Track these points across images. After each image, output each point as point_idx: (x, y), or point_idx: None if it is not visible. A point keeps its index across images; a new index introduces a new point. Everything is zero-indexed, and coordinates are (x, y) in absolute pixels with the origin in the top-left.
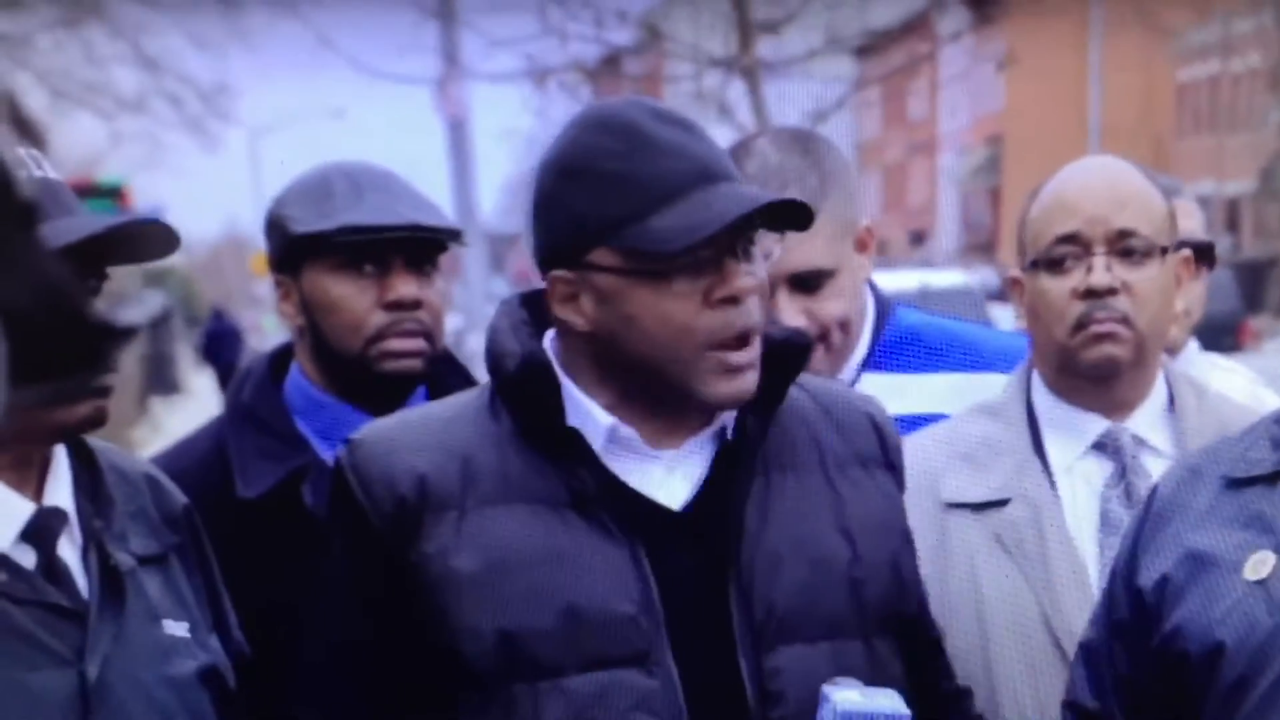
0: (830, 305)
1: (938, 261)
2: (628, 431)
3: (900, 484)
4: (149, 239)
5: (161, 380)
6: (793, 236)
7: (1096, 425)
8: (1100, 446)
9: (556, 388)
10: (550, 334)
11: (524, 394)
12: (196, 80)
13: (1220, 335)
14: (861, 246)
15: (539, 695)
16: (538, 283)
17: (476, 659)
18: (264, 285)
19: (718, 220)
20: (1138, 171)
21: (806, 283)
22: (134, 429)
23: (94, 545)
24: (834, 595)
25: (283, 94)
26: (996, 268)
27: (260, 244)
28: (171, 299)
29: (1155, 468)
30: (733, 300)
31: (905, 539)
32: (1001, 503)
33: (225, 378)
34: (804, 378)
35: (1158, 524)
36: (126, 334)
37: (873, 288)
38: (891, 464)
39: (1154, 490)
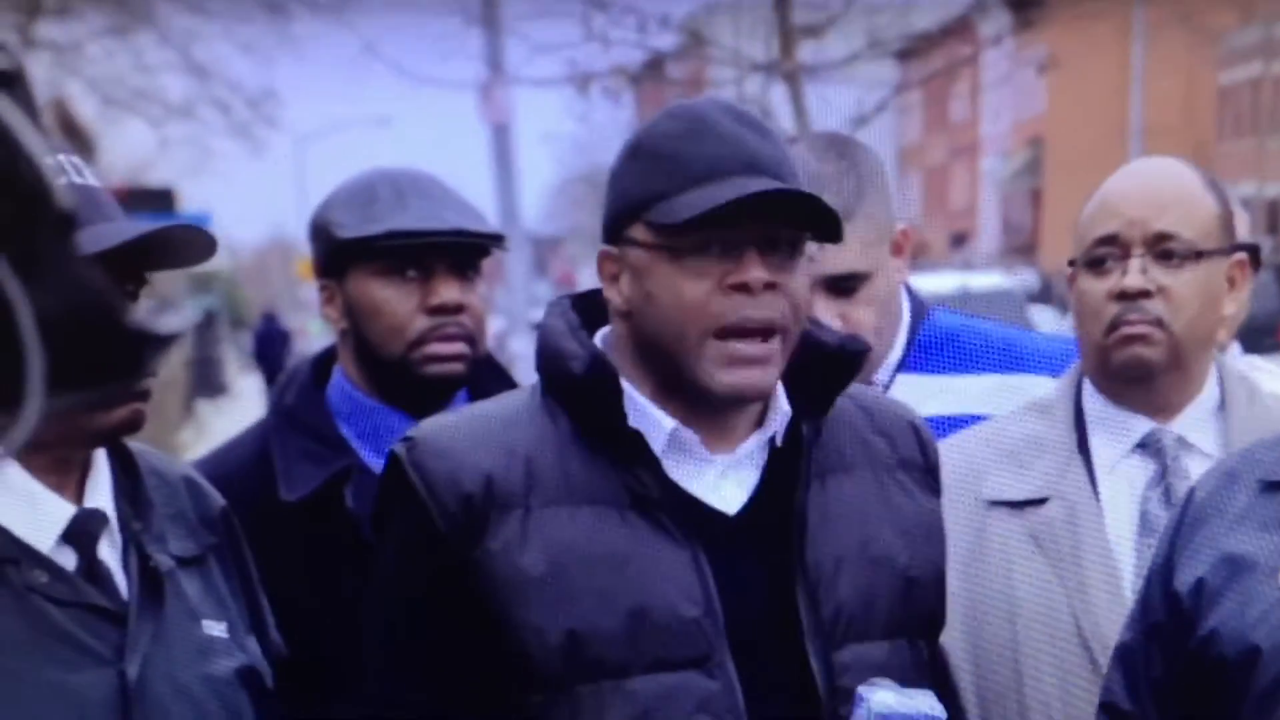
0: (865, 309)
1: (978, 264)
2: (689, 435)
3: (938, 491)
4: (187, 244)
5: (207, 383)
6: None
7: (1141, 426)
8: (1143, 447)
9: (618, 390)
10: (600, 334)
11: (587, 396)
12: (244, 87)
13: (1261, 336)
14: (897, 250)
15: (603, 696)
16: (579, 286)
17: (542, 659)
18: (309, 289)
19: (727, 197)
20: (1192, 174)
21: (841, 285)
22: (180, 432)
23: (134, 547)
24: (892, 594)
25: (328, 100)
26: (1037, 270)
27: (305, 249)
28: (217, 303)
29: (1198, 470)
30: (744, 288)
31: (944, 545)
32: (1040, 501)
33: (273, 380)
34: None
35: (1194, 527)
36: (166, 341)
37: (909, 290)
38: (931, 470)
39: (1190, 493)
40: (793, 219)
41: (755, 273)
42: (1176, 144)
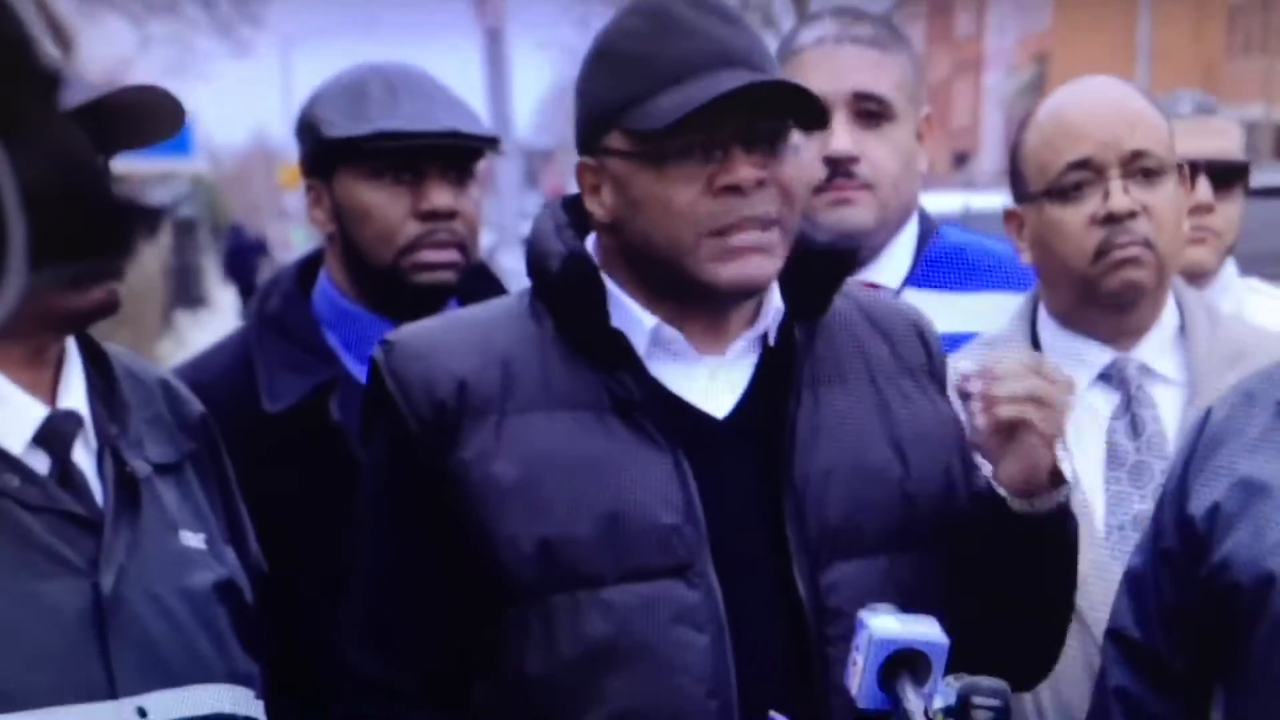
0: (886, 148)
1: (981, 183)
2: (671, 333)
3: (944, 393)
4: (155, 113)
5: (186, 294)
6: (859, 63)
7: (1102, 356)
8: (1106, 378)
9: (600, 288)
10: (592, 237)
11: (567, 295)
12: None
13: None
14: (919, 135)
15: (578, 606)
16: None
17: (515, 568)
18: (293, 198)
19: (704, 96)
20: (1134, 89)
21: (866, 109)
22: (159, 343)
23: (109, 451)
24: (886, 509)
25: (316, 4)
26: None
27: (289, 155)
28: (197, 210)
29: (1163, 396)
30: (734, 189)
31: (956, 447)
32: None
33: (246, 293)
34: (849, 286)
35: (1209, 449)
36: (152, 215)
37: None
38: (938, 374)
39: (1206, 414)
40: (774, 109)
41: (743, 171)
42: (1184, 64)
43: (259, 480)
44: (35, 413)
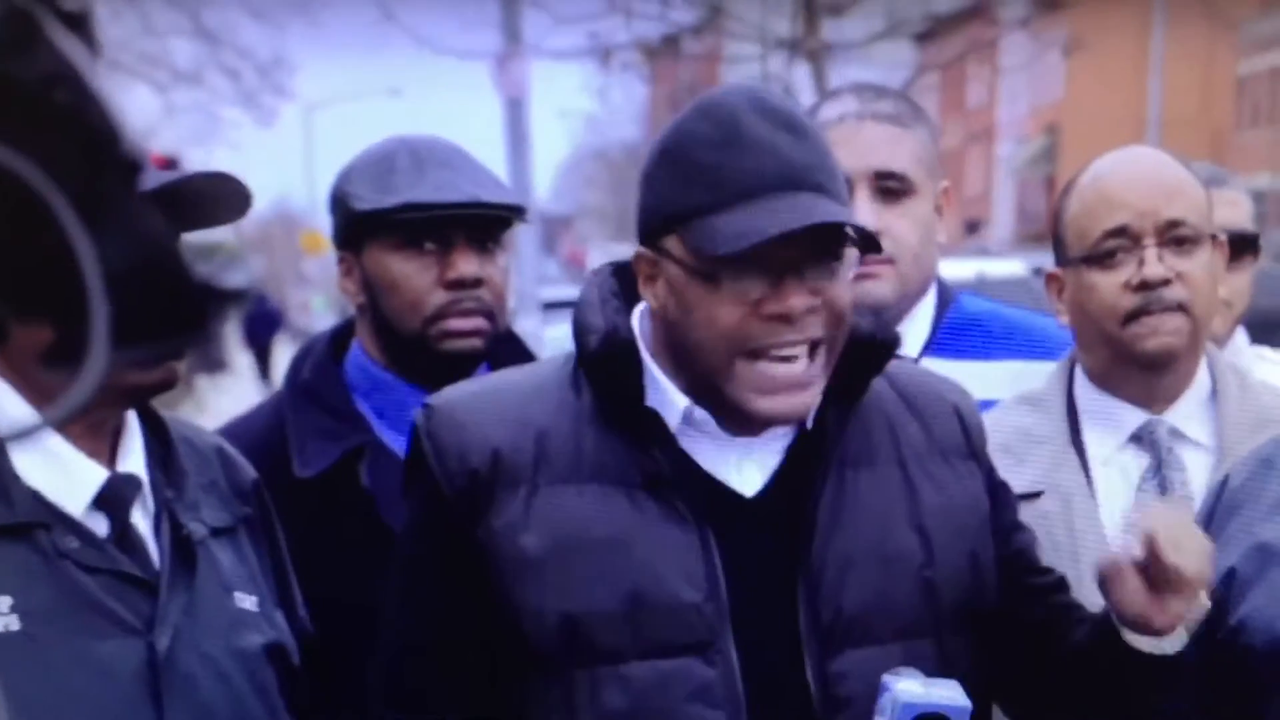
0: (907, 222)
1: (993, 250)
2: (703, 414)
3: (984, 470)
4: (222, 197)
5: (206, 359)
6: (880, 140)
7: (1135, 417)
8: (1138, 439)
9: (638, 366)
10: (641, 308)
11: (605, 371)
12: (254, 53)
13: (1274, 330)
14: (937, 208)
15: (598, 681)
16: (588, 265)
17: (538, 641)
18: (313, 263)
19: (766, 231)
20: (1175, 160)
21: (887, 186)
22: (179, 408)
23: (166, 514)
24: (905, 596)
25: (339, 69)
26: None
27: (311, 222)
28: None
29: (1192, 460)
30: (783, 318)
31: (986, 528)
32: (1035, 495)
33: (263, 360)
34: (889, 365)
35: (1227, 514)
36: (230, 296)
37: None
38: (975, 453)
39: (1225, 480)
40: (833, 236)
41: (794, 300)
42: (1194, 134)
43: (292, 543)
44: (95, 476)
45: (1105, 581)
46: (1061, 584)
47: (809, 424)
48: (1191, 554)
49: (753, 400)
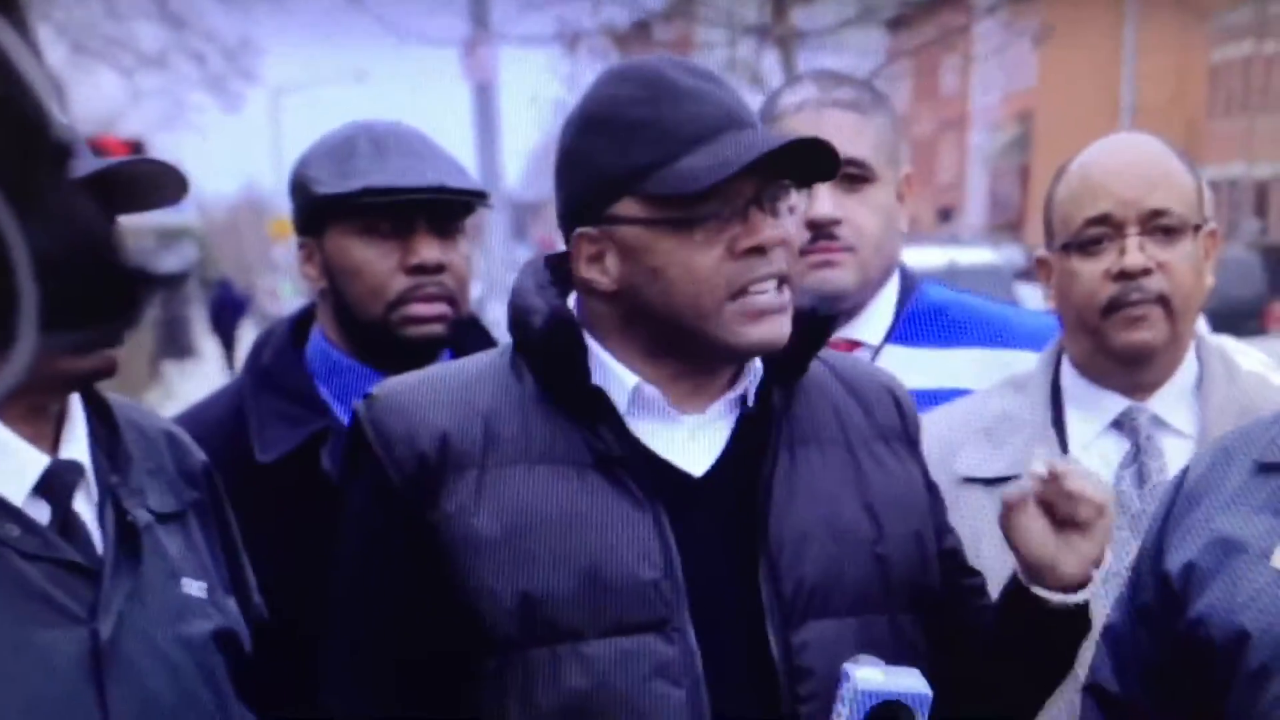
0: (868, 211)
1: (965, 239)
2: (651, 391)
3: (919, 458)
4: (157, 182)
5: (174, 344)
6: (841, 128)
7: (1117, 404)
8: (1118, 425)
9: (582, 346)
10: (574, 296)
11: (549, 352)
12: (220, 37)
13: (1244, 319)
14: (899, 195)
15: (558, 660)
16: (560, 250)
17: (495, 622)
18: (282, 250)
19: (745, 157)
20: (1166, 148)
21: (849, 175)
22: (147, 393)
23: (110, 501)
24: (860, 571)
25: (307, 54)
26: (1023, 247)
27: (279, 207)
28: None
29: (1173, 448)
30: (759, 250)
31: (927, 513)
32: (1013, 479)
33: (229, 346)
34: (824, 351)
35: (1187, 506)
36: (162, 281)
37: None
38: (912, 439)
39: (1185, 471)
40: (786, 169)
41: (766, 232)
42: (1166, 122)
43: (252, 529)
44: (36, 462)
45: (1009, 516)
46: (984, 589)
47: (751, 401)
48: (1096, 484)
49: (740, 332)
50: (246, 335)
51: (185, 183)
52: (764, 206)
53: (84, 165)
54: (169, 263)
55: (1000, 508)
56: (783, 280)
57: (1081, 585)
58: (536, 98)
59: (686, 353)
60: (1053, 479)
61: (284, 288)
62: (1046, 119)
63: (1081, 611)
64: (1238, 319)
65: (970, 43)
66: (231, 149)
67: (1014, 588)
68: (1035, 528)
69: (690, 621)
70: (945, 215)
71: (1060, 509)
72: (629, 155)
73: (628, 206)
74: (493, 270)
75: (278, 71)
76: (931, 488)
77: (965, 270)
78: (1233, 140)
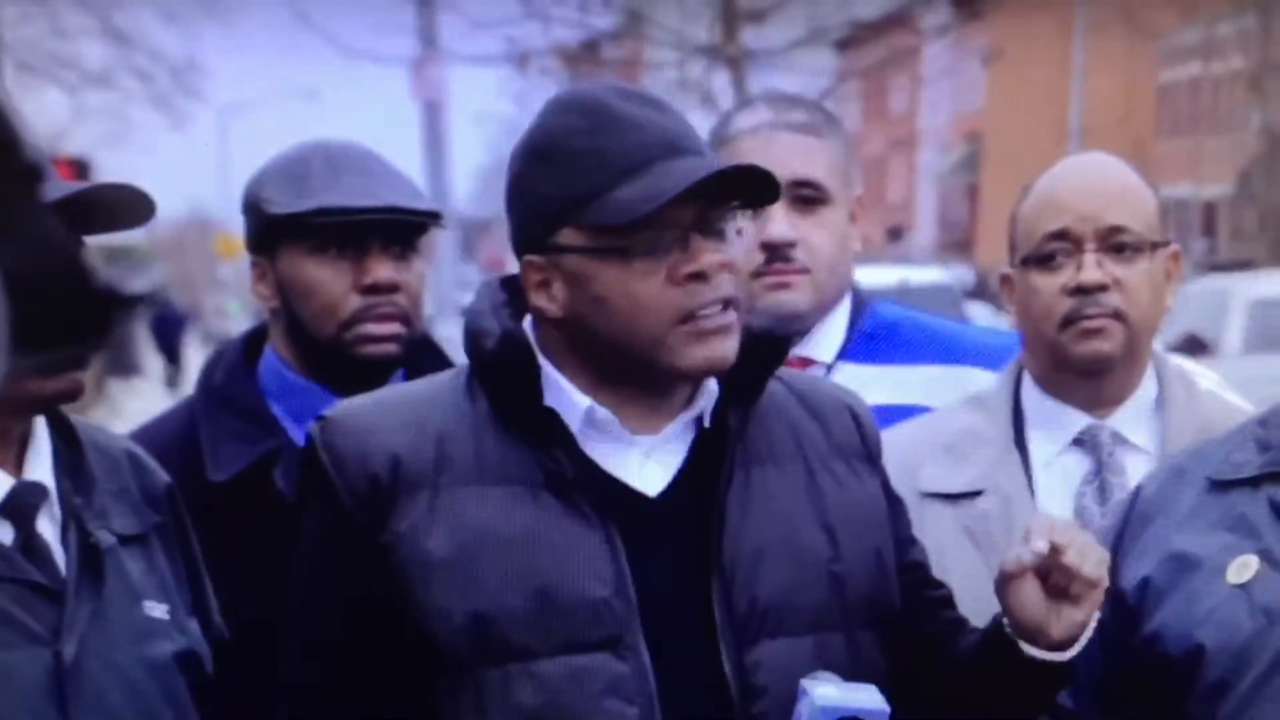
0: (823, 232)
1: (915, 258)
2: (604, 414)
3: (880, 474)
4: (125, 206)
5: (120, 362)
6: (795, 150)
7: (1078, 421)
8: (1080, 443)
9: (534, 368)
10: (528, 320)
11: (501, 374)
12: (166, 55)
13: (1195, 338)
14: (852, 217)
15: (509, 679)
16: (510, 269)
17: (447, 642)
18: (228, 268)
19: (675, 187)
20: (1128, 168)
21: (803, 195)
22: (92, 411)
23: (74, 522)
24: (815, 589)
25: (254, 72)
26: (973, 266)
27: (225, 226)
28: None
29: (1134, 465)
30: (700, 277)
31: (888, 529)
32: (975, 494)
33: (172, 363)
34: (783, 370)
35: (1141, 524)
36: (131, 302)
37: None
38: (872, 456)
39: (1137, 490)
40: (731, 193)
41: (706, 258)
42: (1114, 143)
43: (205, 548)
44: (0, 484)
45: (1005, 582)
46: (950, 600)
47: (708, 422)
48: (1092, 562)
49: (686, 355)
50: (191, 353)
51: (152, 206)
52: (705, 232)
53: (54, 190)
54: (136, 283)
55: (968, 524)
56: (728, 303)
57: (1068, 645)
58: (484, 116)
59: (637, 377)
60: (1052, 554)
61: (231, 306)
62: (995, 139)
63: (1064, 667)
64: (1190, 339)
65: (919, 63)
66: (178, 167)
67: (997, 636)
68: (1029, 594)
69: (643, 640)
70: (895, 235)
71: (1055, 579)
72: (568, 186)
73: (569, 236)
74: (441, 289)
75: (224, 90)
76: (895, 501)
77: (916, 289)
78: (1180, 161)
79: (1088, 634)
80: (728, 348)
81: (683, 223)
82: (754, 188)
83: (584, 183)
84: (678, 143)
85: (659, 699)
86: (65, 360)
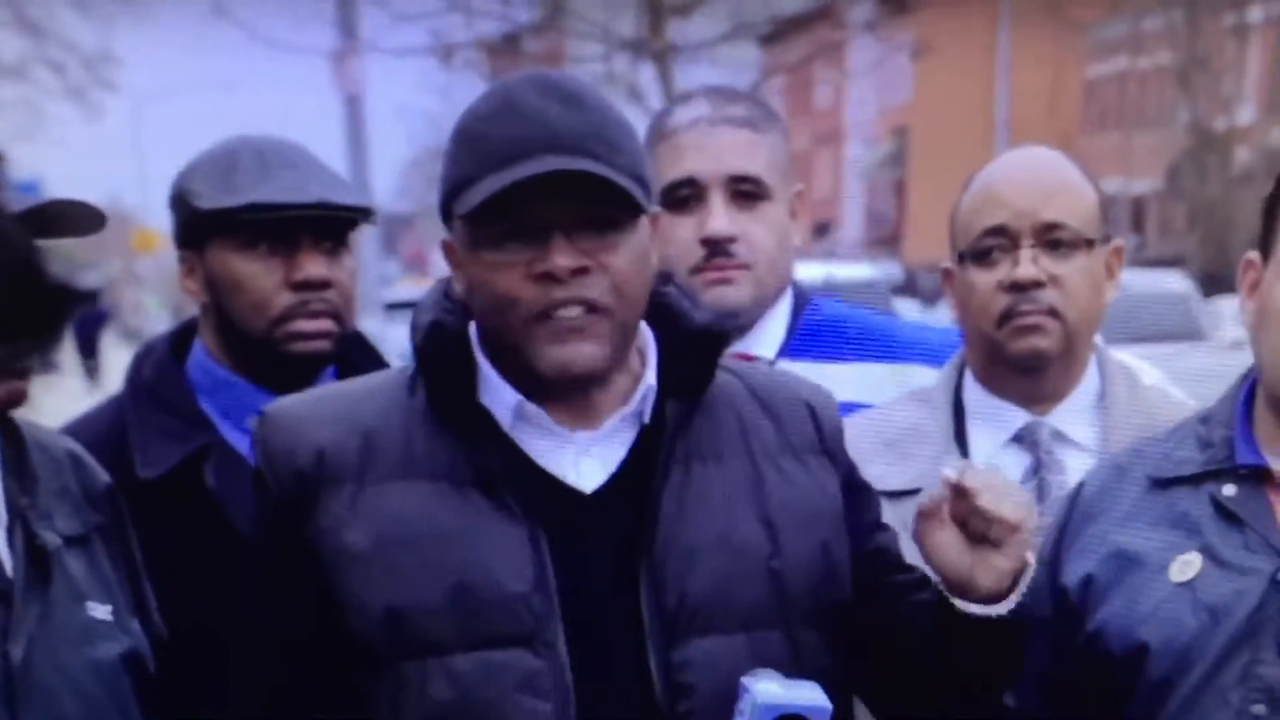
0: (763, 228)
1: (842, 254)
2: (533, 409)
3: (839, 466)
4: (78, 217)
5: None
6: (734, 145)
7: (1018, 418)
8: (1020, 439)
9: (467, 362)
10: None
11: (434, 366)
12: (80, 47)
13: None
14: (792, 212)
15: (425, 673)
16: (430, 266)
17: (365, 635)
18: (146, 262)
19: (503, 183)
20: (1069, 163)
21: (743, 190)
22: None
23: (19, 523)
24: (752, 586)
25: (170, 63)
26: (900, 261)
27: (143, 219)
28: None
29: (1074, 463)
30: (549, 277)
31: (840, 521)
32: (915, 492)
33: (90, 359)
34: (742, 365)
35: (1083, 522)
36: (82, 298)
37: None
38: (829, 449)
39: (1079, 488)
40: (601, 196)
41: (558, 259)
42: (1041, 137)
43: (138, 546)
44: None
45: (923, 527)
46: (924, 582)
47: (646, 417)
48: (1011, 503)
49: (541, 354)
50: (109, 349)
51: (102, 218)
52: (570, 233)
53: (15, 202)
54: (87, 279)
55: (909, 520)
56: (595, 309)
57: (1003, 597)
58: (406, 109)
59: (524, 373)
60: (960, 494)
61: (149, 302)
62: (922, 133)
63: (1007, 622)
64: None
65: (844, 58)
66: (93, 161)
67: (937, 598)
68: (947, 542)
69: (564, 636)
70: (822, 230)
71: (972, 525)
72: (453, 170)
73: (455, 221)
74: (363, 284)
75: (139, 81)
76: (859, 490)
77: (842, 285)
78: (1108, 156)
79: (1022, 585)
80: (583, 353)
81: (546, 220)
82: (619, 196)
83: (461, 170)
84: (561, 141)
85: (578, 695)
86: (16, 357)
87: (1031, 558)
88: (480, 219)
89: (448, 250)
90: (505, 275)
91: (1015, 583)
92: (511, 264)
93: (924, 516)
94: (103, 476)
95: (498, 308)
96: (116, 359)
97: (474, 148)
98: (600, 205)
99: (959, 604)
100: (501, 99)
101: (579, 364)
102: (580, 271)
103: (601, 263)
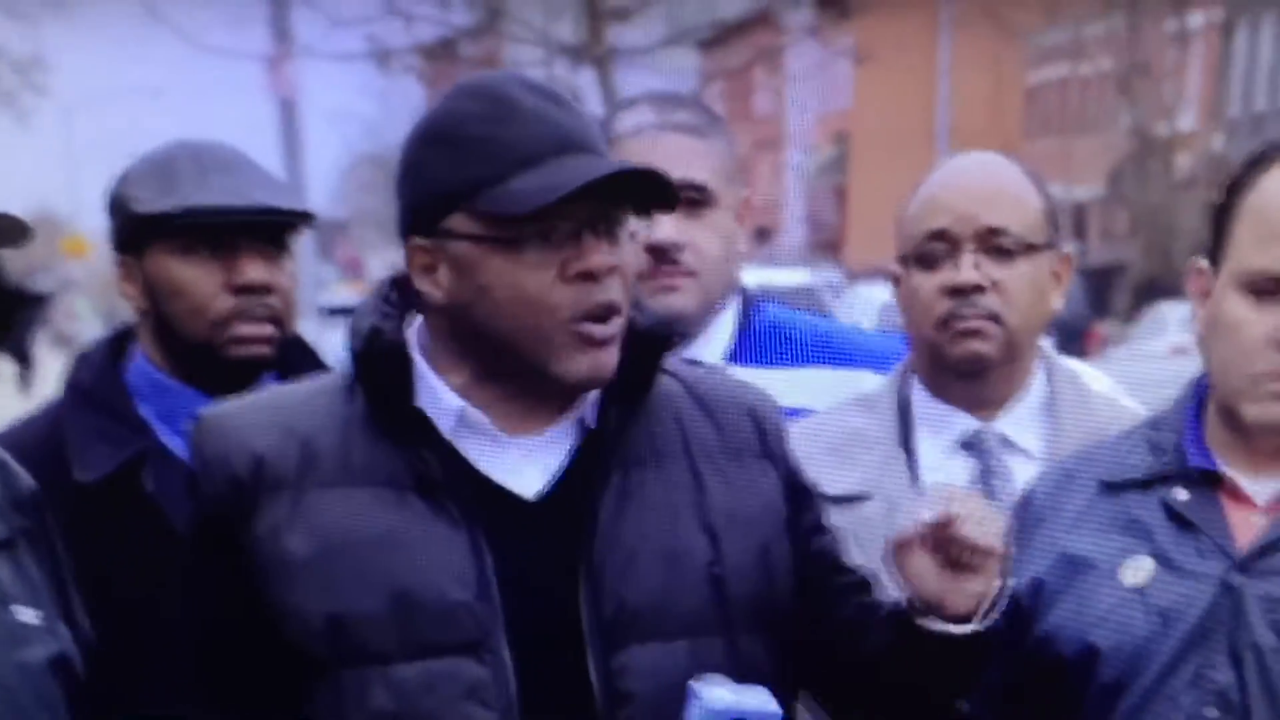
0: (709, 234)
1: (782, 259)
2: (476, 415)
3: (781, 469)
4: (2, 229)
5: None
6: (680, 152)
7: (966, 423)
8: (967, 446)
9: (404, 367)
10: (418, 319)
11: (371, 372)
12: (8, 52)
13: (1068, 341)
14: (739, 217)
15: (365, 682)
16: (365, 271)
17: (305, 643)
18: (76, 267)
19: (572, 182)
20: (1016, 169)
21: (690, 196)
22: None
23: None
24: (692, 592)
25: (101, 68)
26: (841, 267)
27: (73, 225)
28: None
29: (1021, 470)
30: (589, 276)
31: (781, 524)
32: (860, 498)
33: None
34: (684, 368)
35: (1032, 527)
36: (38, 301)
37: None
38: (771, 452)
39: (1029, 494)
40: (626, 196)
41: (597, 258)
42: (983, 143)
43: (73, 550)
44: None
45: (898, 553)
46: (866, 584)
47: (592, 423)
48: (988, 530)
49: (571, 362)
50: (42, 354)
51: (27, 230)
52: (598, 232)
53: None
54: (42, 282)
55: (854, 525)
56: (614, 310)
57: (970, 617)
58: (341, 113)
59: (517, 375)
60: (943, 525)
61: (82, 307)
62: (863, 139)
63: (971, 641)
64: (1061, 341)
65: (785, 63)
66: (21, 165)
67: (900, 611)
68: (922, 566)
69: (506, 644)
70: (763, 236)
71: (951, 552)
72: (463, 170)
73: (459, 221)
74: (300, 289)
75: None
76: (801, 492)
77: (780, 292)
78: (1050, 162)
79: (999, 606)
80: (610, 363)
81: (577, 220)
82: (645, 191)
83: (480, 169)
84: (576, 139)
85: (520, 704)
86: None
87: (1001, 584)
88: (515, 220)
89: (418, 252)
90: (536, 275)
91: (980, 603)
92: (544, 263)
93: (900, 545)
94: (27, 481)
95: (526, 310)
96: (49, 364)
97: (483, 148)
98: (618, 206)
99: (929, 624)
100: (496, 99)
101: (605, 374)
102: (610, 270)
103: (622, 263)
